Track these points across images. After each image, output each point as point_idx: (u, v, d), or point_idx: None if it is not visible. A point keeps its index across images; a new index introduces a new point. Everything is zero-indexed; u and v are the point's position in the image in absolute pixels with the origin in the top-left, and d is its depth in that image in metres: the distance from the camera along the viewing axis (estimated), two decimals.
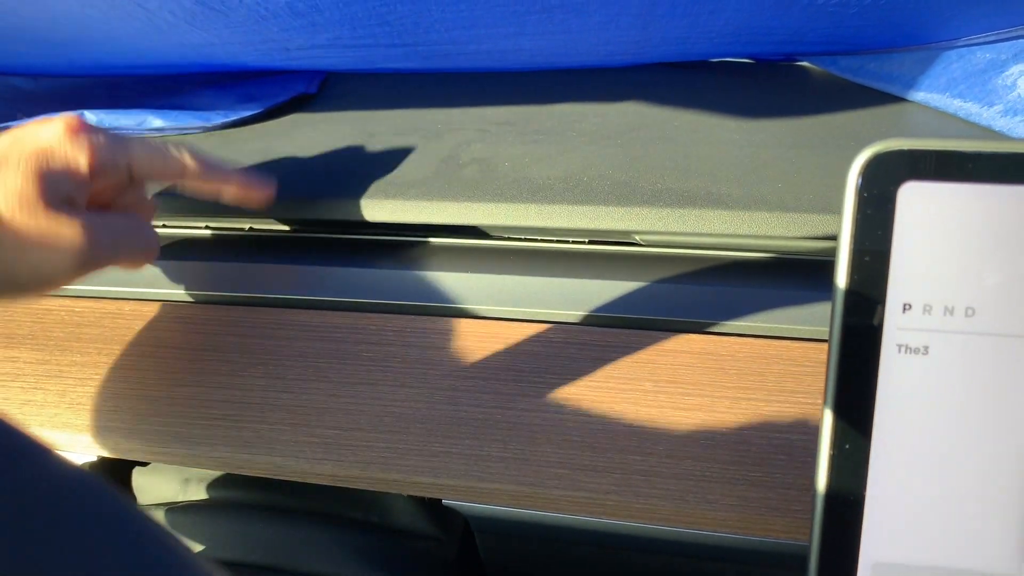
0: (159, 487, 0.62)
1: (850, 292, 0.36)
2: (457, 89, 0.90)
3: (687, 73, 0.91)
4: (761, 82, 0.89)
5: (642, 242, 0.67)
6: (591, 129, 0.78)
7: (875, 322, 0.36)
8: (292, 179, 0.70)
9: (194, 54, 0.73)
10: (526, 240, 0.68)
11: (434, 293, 0.64)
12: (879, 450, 0.37)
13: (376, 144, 0.77)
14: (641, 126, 0.78)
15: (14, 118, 0.82)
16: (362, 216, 0.67)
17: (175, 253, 0.70)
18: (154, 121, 0.81)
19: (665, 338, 0.59)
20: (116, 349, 0.62)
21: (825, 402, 0.37)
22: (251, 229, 0.72)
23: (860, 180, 0.35)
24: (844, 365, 0.37)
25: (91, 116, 0.82)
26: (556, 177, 0.68)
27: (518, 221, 0.65)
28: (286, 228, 0.71)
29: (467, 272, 0.65)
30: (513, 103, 0.85)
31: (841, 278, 0.36)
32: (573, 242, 0.68)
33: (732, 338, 0.59)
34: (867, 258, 0.36)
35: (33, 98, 0.88)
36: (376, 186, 0.67)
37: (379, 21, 0.60)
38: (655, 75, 0.91)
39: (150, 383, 0.59)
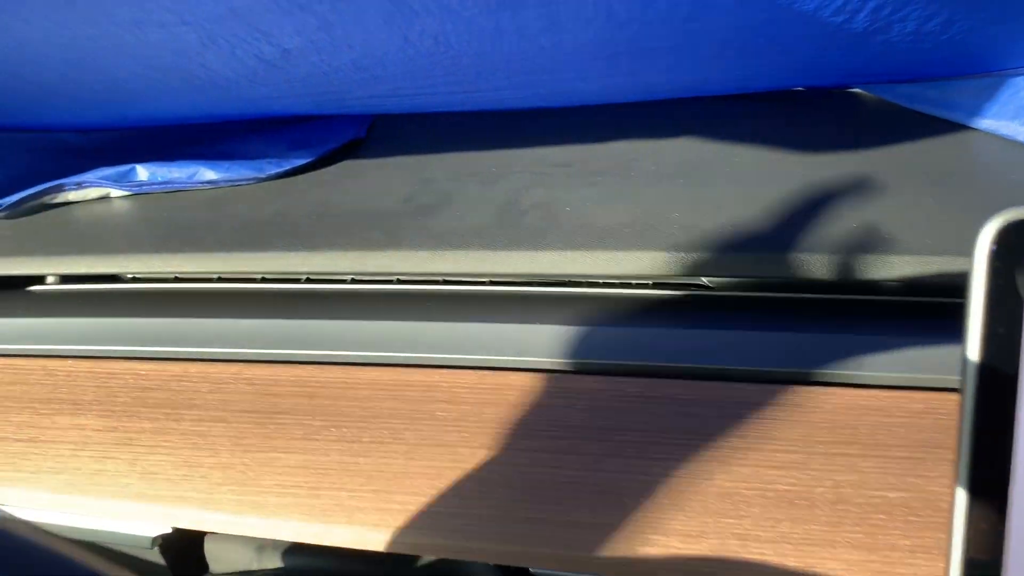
0: (232, 555, 0.60)
1: (983, 372, 0.34)
2: (508, 128, 0.89)
3: (737, 104, 0.90)
4: (816, 112, 0.88)
5: (712, 284, 0.65)
6: (651, 169, 0.76)
7: (1009, 399, 0.34)
8: (351, 230, 0.69)
9: (248, 106, 0.72)
10: (590, 286, 0.66)
11: (503, 346, 0.63)
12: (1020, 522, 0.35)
13: (432, 191, 0.76)
14: (701, 164, 0.76)
15: (64, 174, 0.82)
16: (424, 267, 0.66)
17: (235, 309, 0.69)
18: (206, 173, 0.81)
19: (748, 390, 0.58)
20: (184, 414, 0.61)
21: (956, 475, 0.35)
22: (308, 280, 0.71)
23: (992, 249, 0.34)
24: (979, 435, 0.35)
25: (143, 171, 0.82)
26: (622, 222, 0.66)
27: (587, 270, 0.63)
28: (345, 280, 0.70)
29: (535, 323, 0.64)
30: (567, 142, 0.84)
31: (973, 357, 0.34)
32: (636, 285, 0.67)
33: (818, 388, 0.57)
34: (1000, 334, 0.34)
35: (82, 153, 0.88)
36: (437, 236, 0.66)
37: (444, 71, 0.59)
38: (706, 107, 0.89)
39: (221, 449, 0.58)
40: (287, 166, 0.82)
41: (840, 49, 0.55)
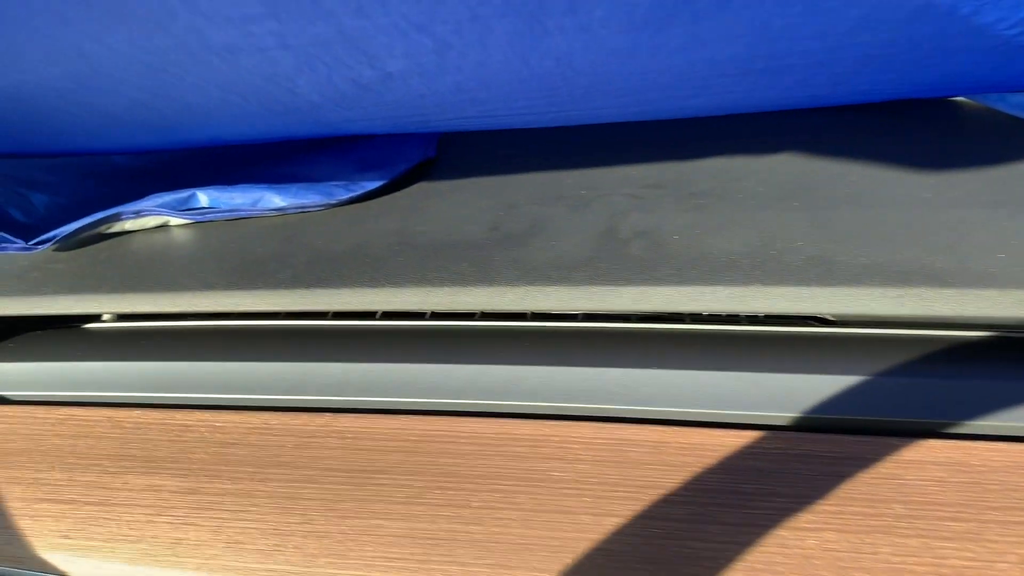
0: None
1: None
2: (590, 144, 0.82)
3: (836, 114, 0.83)
4: (925, 123, 0.81)
5: (835, 319, 0.59)
6: (757, 189, 0.70)
7: None
8: (436, 262, 0.63)
9: (322, 128, 0.66)
10: (698, 322, 0.60)
11: (616, 393, 0.57)
12: None
13: (519, 217, 0.70)
14: (813, 183, 0.70)
15: (118, 199, 0.77)
16: (522, 305, 0.60)
17: (317, 351, 0.63)
18: (273, 199, 0.75)
19: (902, 445, 0.51)
20: (270, 473, 0.56)
21: None
22: (382, 315, 0.66)
23: None
24: None
25: (203, 197, 0.76)
26: (738, 251, 0.60)
27: (709, 307, 0.57)
28: (424, 316, 0.64)
29: (649, 367, 0.58)
30: (655, 159, 0.78)
31: None
32: (746, 319, 0.61)
33: (983, 443, 0.51)
34: None
35: (136, 176, 0.82)
36: (535, 269, 0.60)
37: (549, 91, 0.53)
38: (803, 119, 0.83)
39: (314, 515, 0.53)
40: (358, 191, 0.76)
41: (998, 60, 0.49)
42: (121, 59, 0.45)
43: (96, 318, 0.71)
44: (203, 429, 0.60)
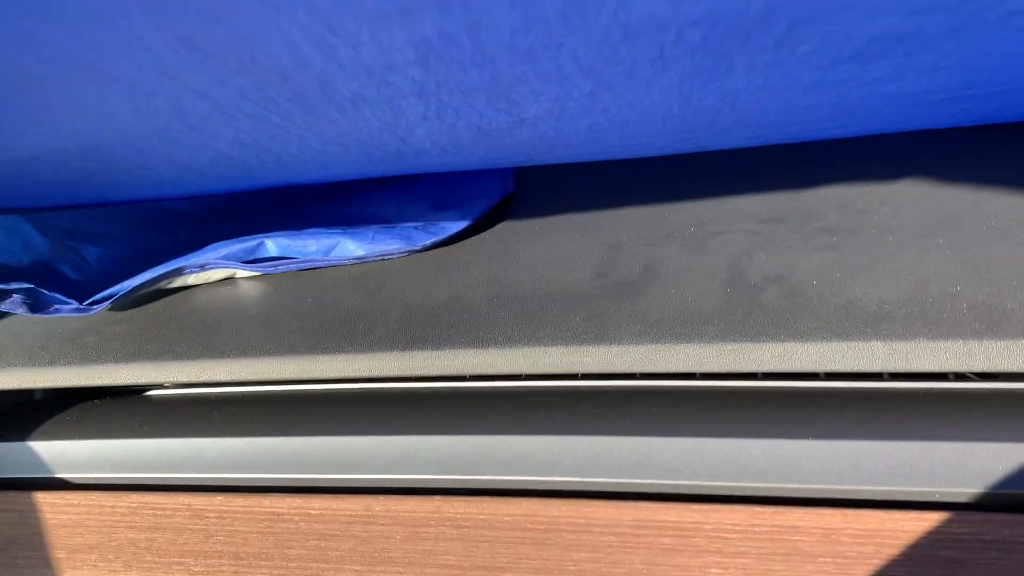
0: None
1: None
2: (688, 170, 0.75)
3: (966, 135, 0.76)
4: None
5: (1006, 374, 0.52)
6: (890, 223, 0.63)
7: None
8: (543, 318, 0.56)
9: (403, 168, 0.59)
10: (844, 379, 0.53)
11: (766, 468, 0.50)
12: None
13: (627, 260, 0.63)
14: (954, 217, 0.62)
15: (177, 249, 0.70)
16: (650, 365, 0.53)
17: (420, 422, 0.56)
18: (348, 246, 0.68)
19: None
20: (379, 572, 0.49)
21: None
22: (476, 378, 0.59)
23: None
24: None
25: (272, 245, 0.69)
26: (891, 300, 0.53)
27: (868, 365, 0.50)
28: (543, 379, 0.57)
29: (801, 437, 0.51)
30: (768, 188, 0.71)
31: None
32: (889, 376, 0.54)
33: None
34: None
35: (192, 221, 0.76)
36: (660, 324, 0.53)
37: (687, 130, 0.46)
38: (928, 140, 0.75)
39: None
40: (441, 234, 0.69)
41: None
42: (222, 114, 0.38)
43: (161, 385, 0.64)
44: (297, 518, 0.53)
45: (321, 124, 0.41)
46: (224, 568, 0.51)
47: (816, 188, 0.69)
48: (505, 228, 0.71)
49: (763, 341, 0.51)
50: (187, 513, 0.55)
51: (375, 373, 0.56)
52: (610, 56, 0.34)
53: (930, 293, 0.53)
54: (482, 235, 0.70)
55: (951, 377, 0.52)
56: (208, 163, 0.48)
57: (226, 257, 0.68)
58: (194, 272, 0.68)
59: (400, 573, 0.49)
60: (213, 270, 0.68)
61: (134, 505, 0.56)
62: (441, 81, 0.36)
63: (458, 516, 0.51)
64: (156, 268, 0.67)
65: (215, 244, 0.69)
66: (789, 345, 0.51)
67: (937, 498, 0.48)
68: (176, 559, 0.53)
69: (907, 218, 0.63)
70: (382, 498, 0.53)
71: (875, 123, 0.47)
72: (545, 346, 0.54)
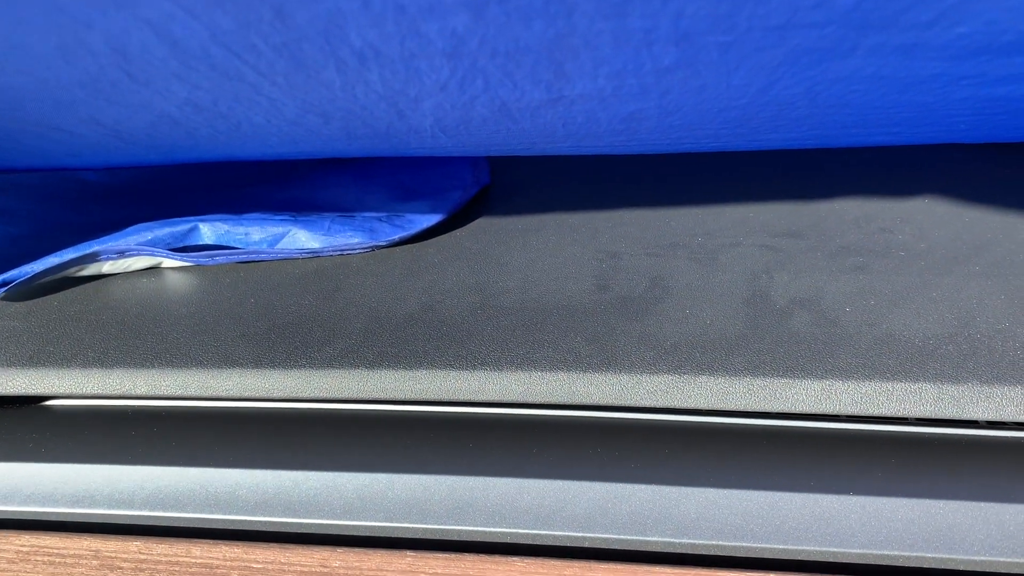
0: None
1: None
2: (680, 169, 0.68)
3: (979, 152, 0.70)
4: None
5: None
6: (919, 246, 0.57)
7: None
8: (538, 335, 0.48)
9: (375, 149, 0.50)
10: (885, 422, 0.46)
11: (799, 527, 0.43)
12: None
13: (631, 272, 0.55)
14: (988, 241, 0.57)
15: (92, 229, 0.59)
16: (667, 399, 0.45)
17: (390, 455, 0.47)
18: (300, 237, 0.58)
19: None
20: None
21: None
22: (450, 403, 0.49)
23: None
24: None
25: (207, 231, 0.58)
26: (935, 334, 0.47)
27: (912, 409, 0.44)
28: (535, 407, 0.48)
29: (835, 492, 0.44)
30: (773, 198, 0.64)
31: None
32: (934, 422, 0.47)
33: None
34: None
35: (111, 196, 0.64)
36: (676, 350, 0.46)
37: (739, 123, 0.38)
38: (931, 153, 0.70)
39: None
40: (409, 228, 0.60)
41: None
42: (180, 62, 0.28)
43: (65, 395, 0.52)
44: (235, 573, 0.43)
45: (308, 86, 0.32)
46: None
47: (829, 201, 0.63)
48: (483, 226, 0.62)
49: (798, 377, 0.44)
50: (94, 562, 0.44)
51: (335, 394, 0.47)
52: (725, 18, 0.25)
53: (977, 328, 0.47)
54: (456, 232, 0.61)
55: (1010, 426, 0.46)
56: (145, 128, 0.38)
57: (151, 243, 0.57)
58: (111, 259, 0.56)
59: None
60: (134, 257, 0.57)
61: (25, 549, 0.45)
62: (488, 37, 0.27)
63: None
64: (64, 252, 0.56)
65: (138, 226, 0.58)
66: (829, 383, 0.44)
67: (1002, 570, 0.41)
68: None
69: (936, 240, 0.57)
70: (341, 551, 0.43)
71: (954, 129, 0.40)
72: (543, 371, 0.46)
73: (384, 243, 0.58)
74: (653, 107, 0.36)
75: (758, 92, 0.33)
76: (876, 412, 0.44)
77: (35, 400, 0.51)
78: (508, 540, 0.43)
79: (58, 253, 0.55)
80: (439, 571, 0.42)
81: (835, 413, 0.45)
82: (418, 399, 0.46)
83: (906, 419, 0.46)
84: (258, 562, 0.43)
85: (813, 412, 0.44)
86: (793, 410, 0.44)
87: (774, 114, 0.37)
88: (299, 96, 0.33)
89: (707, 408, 0.45)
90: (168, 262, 0.58)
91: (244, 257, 0.57)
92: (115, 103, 0.34)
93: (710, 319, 0.49)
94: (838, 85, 0.33)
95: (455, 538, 0.43)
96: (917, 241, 0.57)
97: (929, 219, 0.60)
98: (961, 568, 0.41)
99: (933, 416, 0.44)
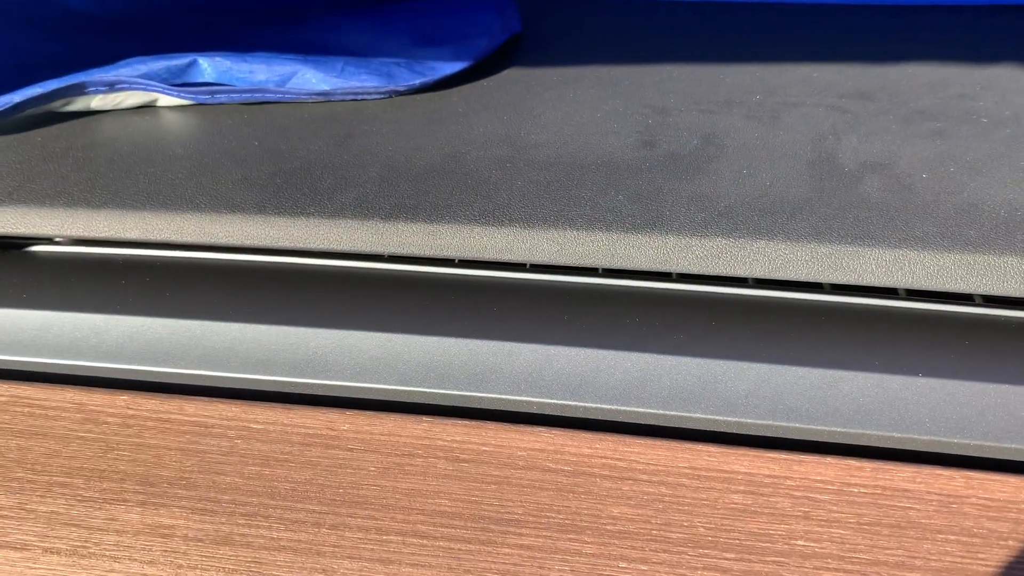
0: None
1: None
2: (736, 25, 0.61)
3: None
4: None
5: None
6: (1003, 114, 0.51)
7: None
8: (575, 192, 0.43)
9: None
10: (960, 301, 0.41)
11: (858, 408, 0.38)
12: None
13: (681, 128, 0.49)
14: None
15: (79, 62, 0.53)
16: (719, 266, 0.40)
17: (403, 315, 0.42)
18: (309, 78, 0.52)
19: None
20: (346, 517, 0.36)
21: None
22: (474, 264, 0.44)
23: None
24: None
25: (208, 66, 0.53)
26: (1021, 204, 0.42)
27: (995, 286, 0.39)
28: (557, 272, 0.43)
29: (908, 373, 0.39)
30: (841, 59, 0.58)
31: None
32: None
33: None
34: None
35: (97, 28, 0.58)
36: (732, 212, 0.41)
37: None
38: (1016, 17, 0.63)
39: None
40: (431, 75, 0.53)
41: None
42: None
43: (49, 239, 0.47)
44: (232, 433, 0.39)
45: None
46: (127, 496, 0.37)
47: (900, 64, 0.57)
48: (513, 77, 0.56)
49: (868, 245, 0.39)
50: (78, 416, 0.40)
51: (346, 246, 0.42)
52: None
53: None
54: (483, 82, 0.55)
55: None
56: None
57: (146, 76, 0.51)
58: (100, 92, 0.51)
59: (373, 519, 0.36)
60: (126, 92, 0.51)
61: (3, 399, 0.41)
62: None
63: (455, 445, 0.38)
64: (49, 82, 0.50)
65: (131, 59, 0.52)
66: (902, 252, 0.39)
67: None
68: (59, 479, 0.38)
69: (1020, 108, 0.51)
70: (351, 414, 0.39)
71: None
72: (579, 230, 0.41)
73: (403, 88, 0.52)
74: None
75: None
76: (954, 287, 0.39)
77: (16, 242, 0.47)
78: (534, 410, 0.39)
79: (42, 83, 0.50)
80: (458, 438, 0.38)
81: (908, 287, 0.40)
82: (438, 255, 0.42)
83: (973, 299, 0.41)
84: (258, 422, 0.39)
85: (882, 285, 0.39)
86: (860, 281, 0.39)
87: None
88: None
89: (764, 276, 0.40)
90: (164, 99, 0.52)
91: (248, 97, 0.52)
92: None
93: (770, 181, 0.44)
94: None
95: (476, 405, 0.39)
96: (1000, 108, 0.51)
97: (1013, 86, 0.54)
98: None
99: (1018, 294, 0.39)
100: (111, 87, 0.50)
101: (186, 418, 0.40)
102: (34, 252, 0.47)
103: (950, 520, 0.35)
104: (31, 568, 0.39)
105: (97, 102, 0.51)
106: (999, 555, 0.35)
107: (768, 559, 0.36)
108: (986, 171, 0.45)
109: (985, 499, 0.36)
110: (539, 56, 0.59)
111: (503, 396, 0.39)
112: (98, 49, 0.55)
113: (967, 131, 0.49)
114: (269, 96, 0.52)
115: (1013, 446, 0.37)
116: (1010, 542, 0.35)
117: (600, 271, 0.42)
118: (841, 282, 0.40)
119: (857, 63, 0.56)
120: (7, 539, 0.40)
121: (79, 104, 0.51)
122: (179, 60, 0.52)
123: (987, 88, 0.54)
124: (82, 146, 0.49)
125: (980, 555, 0.35)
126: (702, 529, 0.36)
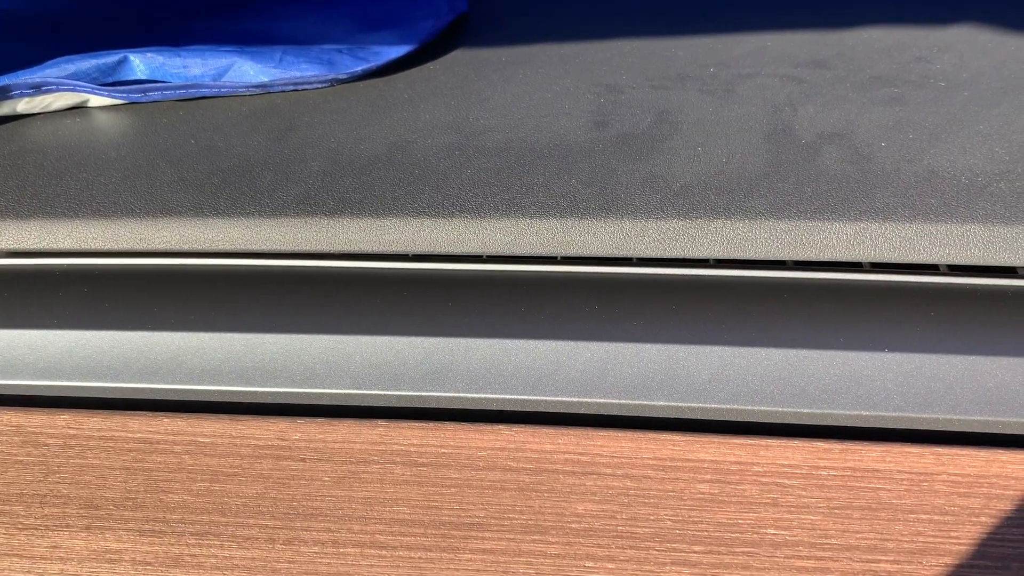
0: None
1: None
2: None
3: None
4: None
5: None
6: (960, 76, 0.50)
7: None
8: (526, 179, 0.41)
9: None
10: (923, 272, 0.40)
11: (822, 388, 0.37)
12: None
13: (633, 106, 0.48)
14: None
15: (5, 64, 0.50)
16: (675, 248, 0.39)
17: (359, 316, 0.40)
18: (246, 69, 0.50)
19: None
20: (300, 531, 0.35)
21: None
22: (424, 258, 0.43)
23: None
24: None
25: (140, 63, 0.50)
26: (984, 171, 0.41)
27: (959, 255, 0.38)
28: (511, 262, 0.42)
29: (866, 349, 0.38)
30: (794, 26, 0.56)
31: None
32: (987, 271, 0.42)
33: None
34: None
35: (26, 28, 0.55)
36: (687, 192, 0.39)
37: None
38: None
39: None
40: (374, 61, 0.52)
41: None
42: None
43: None
44: (179, 448, 0.37)
45: None
46: (71, 521, 0.36)
47: (855, 29, 0.56)
48: (460, 59, 0.54)
49: (829, 219, 0.39)
50: (16, 438, 0.38)
51: (289, 246, 0.40)
52: None
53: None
54: (429, 66, 0.53)
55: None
56: None
57: (74, 76, 0.49)
58: (26, 95, 0.48)
59: (328, 532, 0.35)
60: (54, 94, 0.49)
61: None
62: None
63: (412, 449, 0.36)
64: None
65: (58, 59, 0.50)
66: (863, 226, 0.38)
67: None
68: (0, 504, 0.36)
69: (979, 70, 0.50)
70: (303, 422, 0.37)
71: None
72: (532, 218, 0.39)
73: (345, 76, 0.50)
74: None
75: None
76: (917, 258, 0.38)
77: None
78: (494, 407, 0.38)
79: None
80: (415, 441, 0.36)
81: (870, 260, 0.39)
82: (387, 251, 0.40)
83: (938, 268, 0.40)
84: (206, 436, 0.37)
85: (845, 259, 0.38)
86: (822, 257, 0.38)
87: None
88: None
89: (723, 257, 0.39)
90: (94, 99, 0.50)
91: (183, 93, 0.49)
92: None
93: (726, 157, 0.43)
94: None
95: (433, 405, 0.38)
96: (958, 71, 0.50)
97: (970, 47, 0.53)
98: (1008, 432, 0.36)
99: (980, 262, 0.38)
100: (37, 89, 0.48)
101: (130, 435, 0.38)
102: None
103: (921, 499, 0.35)
104: None
105: (23, 105, 0.49)
106: (971, 532, 0.34)
107: (737, 550, 0.35)
108: (945, 137, 0.44)
109: (956, 475, 0.35)
110: (487, 36, 0.57)
111: (461, 394, 0.38)
112: (22, 49, 0.52)
113: (925, 96, 0.48)
114: (205, 91, 0.49)
115: (981, 418, 0.36)
116: (982, 518, 0.34)
117: (558, 258, 0.41)
118: (803, 259, 0.39)
119: (812, 30, 0.55)
120: None
121: (4, 109, 0.49)
122: (109, 58, 0.49)
123: (944, 50, 0.53)
124: (8, 153, 0.47)
125: (952, 533, 0.34)
126: (669, 522, 0.35)
